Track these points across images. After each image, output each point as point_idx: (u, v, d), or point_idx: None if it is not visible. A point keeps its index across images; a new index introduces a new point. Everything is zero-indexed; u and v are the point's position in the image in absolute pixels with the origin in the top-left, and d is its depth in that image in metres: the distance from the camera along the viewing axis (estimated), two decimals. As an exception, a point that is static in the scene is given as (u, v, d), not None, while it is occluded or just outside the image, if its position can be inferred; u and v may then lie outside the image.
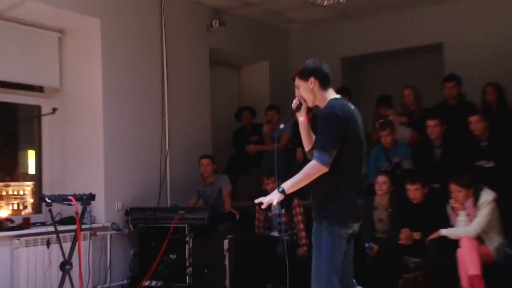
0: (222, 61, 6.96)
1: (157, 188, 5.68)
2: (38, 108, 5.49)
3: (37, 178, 5.44)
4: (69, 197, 4.22)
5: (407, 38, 6.77)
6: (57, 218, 4.82)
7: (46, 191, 5.18)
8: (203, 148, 6.08)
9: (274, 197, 2.66)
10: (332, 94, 2.84)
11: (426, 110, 5.68)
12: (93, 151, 5.34)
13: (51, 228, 4.56)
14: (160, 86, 5.82)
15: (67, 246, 4.37)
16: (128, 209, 5.35)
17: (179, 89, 6.03)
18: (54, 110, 5.04)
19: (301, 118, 2.84)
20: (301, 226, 5.33)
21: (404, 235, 4.64)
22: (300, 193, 5.69)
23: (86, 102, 5.40)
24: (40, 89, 5.54)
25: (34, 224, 4.98)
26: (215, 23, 6.12)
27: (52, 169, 5.46)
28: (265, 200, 2.66)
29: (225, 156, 6.51)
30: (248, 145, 6.20)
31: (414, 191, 4.70)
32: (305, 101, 2.81)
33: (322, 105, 2.81)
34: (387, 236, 4.88)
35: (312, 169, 2.68)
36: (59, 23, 5.32)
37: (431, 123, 5.17)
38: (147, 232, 5.27)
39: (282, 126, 2.81)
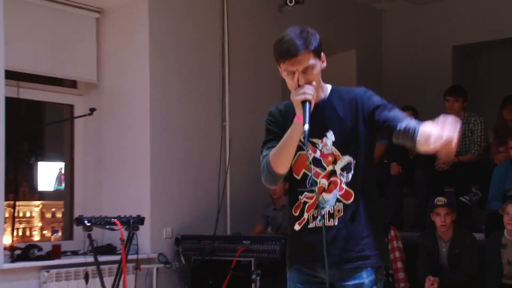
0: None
1: (215, 212, 5.83)
2: (70, 108, 5.75)
3: (68, 196, 5.71)
4: (113, 220, 4.42)
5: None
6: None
7: (78, 212, 5.36)
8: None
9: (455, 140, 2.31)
10: None
11: None
12: (137, 163, 5.54)
13: (88, 258, 4.79)
14: (220, 82, 6.00)
15: (107, 281, 4.59)
16: (179, 237, 5.52)
17: (244, 86, 6.19)
18: (92, 111, 5.24)
19: None
20: (399, 265, 5.43)
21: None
22: (398, 222, 5.83)
23: (129, 102, 5.62)
24: (72, 84, 5.80)
25: (65, 253, 5.24)
26: (290, 1, 6.28)
27: (86, 185, 5.70)
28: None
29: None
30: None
31: (557, 227, 4.78)
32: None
33: (319, 95, 2.63)
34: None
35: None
36: (96, 0, 5.57)
37: None
38: (202, 266, 5.41)
39: (307, 127, 2.49)
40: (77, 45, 5.61)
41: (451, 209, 5.13)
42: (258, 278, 5.13)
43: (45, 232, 5.77)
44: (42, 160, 5.88)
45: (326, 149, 2.62)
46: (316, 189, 2.62)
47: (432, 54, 7.23)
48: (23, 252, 4.90)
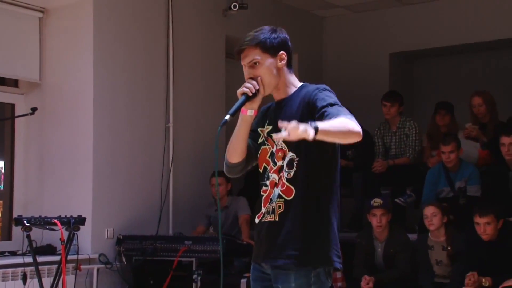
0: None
1: (157, 212, 5.78)
2: (12, 107, 5.58)
3: (7, 196, 5.54)
4: (53, 220, 4.28)
5: (477, 30, 6.83)
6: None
7: (18, 212, 5.22)
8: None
9: (301, 128, 2.22)
10: (297, 80, 2.70)
11: (502, 123, 5.77)
12: (79, 163, 5.44)
13: (27, 259, 4.65)
14: (164, 84, 5.95)
15: (46, 282, 4.50)
16: (121, 237, 5.44)
17: (188, 88, 6.16)
18: (34, 110, 5.07)
19: (251, 111, 2.58)
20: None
21: (471, 281, 4.68)
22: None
23: (72, 102, 5.49)
24: (14, 83, 5.65)
25: (2, 254, 5.10)
26: (234, 6, 6.28)
27: (26, 185, 5.56)
28: (289, 127, 2.22)
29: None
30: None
31: (484, 226, 4.75)
32: (263, 86, 2.58)
33: (285, 92, 2.64)
34: (449, 281, 4.93)
35: (352, 127, 2.34)
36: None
37: (506, 140, 5.23)
38: (143, 266, 5.36)
39: (228, 117, 2.51)
40: (19, 44, 5.50)
41: (387, 210, 5.20)
42: (199, 278, 5.11)
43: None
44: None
45: (279, 144, 2.61)
46: (269, 183, 2.62)
47: (370, 61, 7.34)
48: (-41, 252, 4.72)
